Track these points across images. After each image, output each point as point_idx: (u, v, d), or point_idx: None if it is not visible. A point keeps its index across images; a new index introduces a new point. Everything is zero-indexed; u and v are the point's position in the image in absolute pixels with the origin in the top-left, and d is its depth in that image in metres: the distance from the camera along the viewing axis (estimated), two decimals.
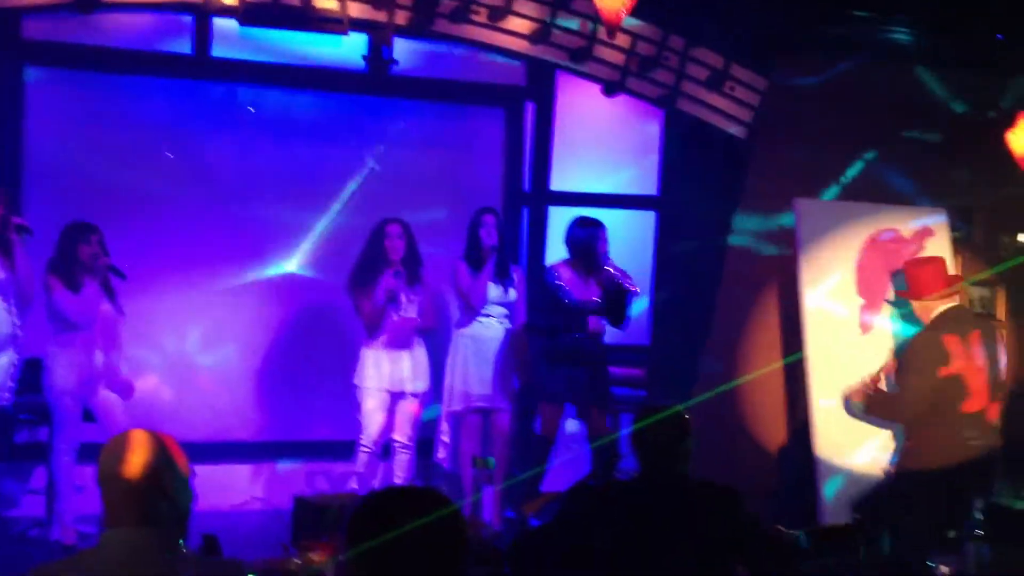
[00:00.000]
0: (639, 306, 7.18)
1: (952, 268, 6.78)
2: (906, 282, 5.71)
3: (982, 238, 8.03)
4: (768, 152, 7.26)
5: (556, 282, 6.21)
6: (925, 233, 6.82)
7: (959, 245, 7.28)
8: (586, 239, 6.19)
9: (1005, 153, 6.94)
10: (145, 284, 6.41)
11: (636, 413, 3.67)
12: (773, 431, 7.53)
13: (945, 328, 5.39)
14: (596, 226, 6.23)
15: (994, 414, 5.31)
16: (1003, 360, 5.42)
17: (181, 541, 2.61)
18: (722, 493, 3.53)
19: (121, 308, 5.98)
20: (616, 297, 6.20)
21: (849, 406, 6.01)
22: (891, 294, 6.37)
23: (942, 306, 5.47)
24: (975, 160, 7.61)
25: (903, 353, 5.64)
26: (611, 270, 6.11)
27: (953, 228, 7.12)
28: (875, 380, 5.80)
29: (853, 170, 7.58)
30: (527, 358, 6.36)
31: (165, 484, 2.56)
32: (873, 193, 7.38)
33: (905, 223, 6.82)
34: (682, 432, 3.58)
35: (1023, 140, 6.30)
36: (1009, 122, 6.93)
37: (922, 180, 7.66)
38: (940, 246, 6.83)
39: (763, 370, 7.22)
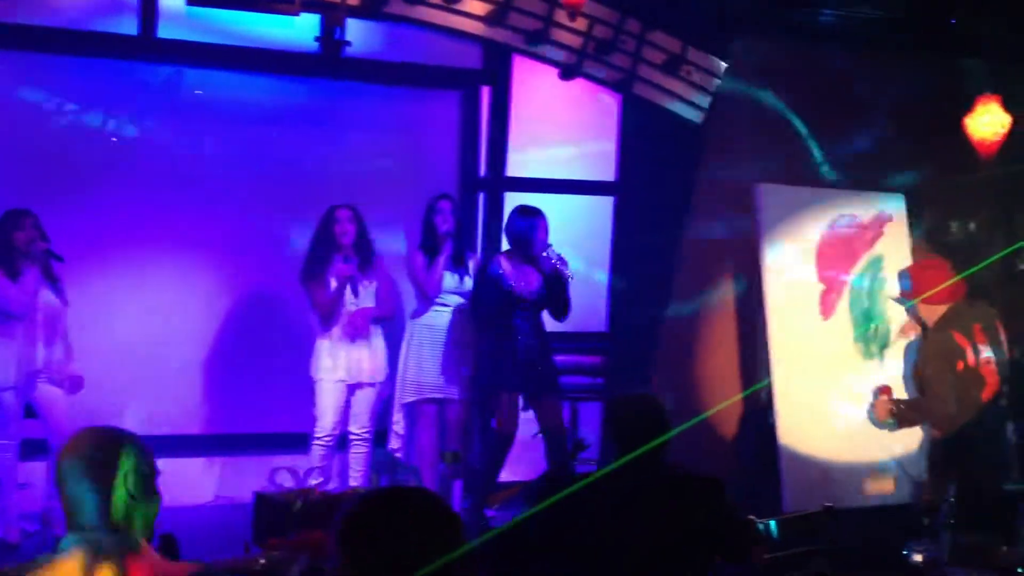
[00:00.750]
0: (597, 292, 7.13)
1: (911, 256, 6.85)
2: (911, 284, 5.87)
3: (932, 223, 8.06)
4: (726, 137, 7.21)
5: (497, 272, 6.05)
6: (883, 219, 6.81)
7: (912, 230, 7.28)
8: (524, 229, 6.04)
9: (957, 139, 6.94)
10: (90, 273, 6.22)
11: (612, 403, 3.58)
12: (728, 416, 7.49)
13: (951, 325, 5.55)
14: (535, 215, 6.07)
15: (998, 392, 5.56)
16: (1003, 342, 5.57)
17: (147, 543, 2.46)
18: (705, 484, 3.46)
19: (65, 298, 5.78)
20: (556, 285, 6.02)
21: (876, 421, 6.13)
22: (895, 292, 6.44)
23: (944, 306, 5.63)
24: (928, 145, 7.61)
25: (921, 359, 5.79)
26: (548, 255, 5.94)
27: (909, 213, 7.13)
28: (887, 392, 5.94)
29: (811, 155, 7.55)
30: (479, 349, 6.22)
31: (129, 484, 2.42)
32: (829, 178, 7.37)
33: (864, 208, 6.80)
34: (661, 422, 3.50)
35: (981, 126, 6.29)
36: (964, 108, 6.93)
37: (877, 165, 7.65)
38: (898, 231, 6.83)
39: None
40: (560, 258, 5.94)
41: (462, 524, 1.93)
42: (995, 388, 5.46)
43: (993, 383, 5.45)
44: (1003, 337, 5.66)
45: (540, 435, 6.09)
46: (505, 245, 6.39)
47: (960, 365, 5.44)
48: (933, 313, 5.67)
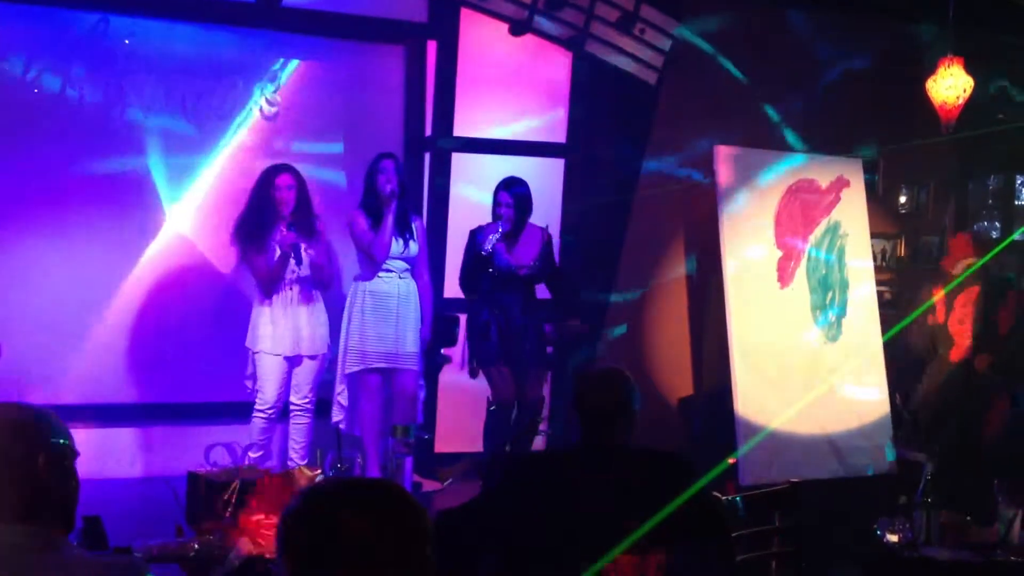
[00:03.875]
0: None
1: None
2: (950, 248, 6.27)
3: (884, 189, 7.95)
4: (679, 98, 7.00)
5: (485, 247, 5.89)
6: (842, 184, 6.66)
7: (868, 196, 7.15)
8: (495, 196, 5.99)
9: (911, 103, 6.79)
10: (11, 233, 5.84)
11: (578, 378, 3.37)
12: (678, 384, 7.32)
13: (938, 283, 5.81)
14: (505, 184, 6.01)
15: (981, 364, 5.64)
16: (1003, 318, 5.54)
17: (65, 537, 2.16)
18: (672, 462, 3.27)
19: None
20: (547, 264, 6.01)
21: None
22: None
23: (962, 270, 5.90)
24: (881, 109, 7.48)
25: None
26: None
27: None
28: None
29: (765, 117, 7.36)
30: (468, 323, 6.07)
31: (41, 470, 2.10)
32: (784, 142, 7.19)
33: (822, 173, 6.64)
34: (627, 397, 3.29)
35: (944, 88, 6.12)
36: (918, 71, 6.77)
37: (831, 129, 7.50)
38: (856, 197, 6.69)
39: None
40: (502, 223, 5.89)
41: (428, 520, 1.66)
42: (963, 352, 5.48)
43: (961, 346, 5.45)
44: (1005, 313, 5.69)
45: (493, 407, 5.89)
46: (452, 205, 6.14)
47: (930, 319, 5.46)
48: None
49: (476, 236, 6.00)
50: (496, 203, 5.99)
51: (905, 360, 6.27)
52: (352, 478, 1.76)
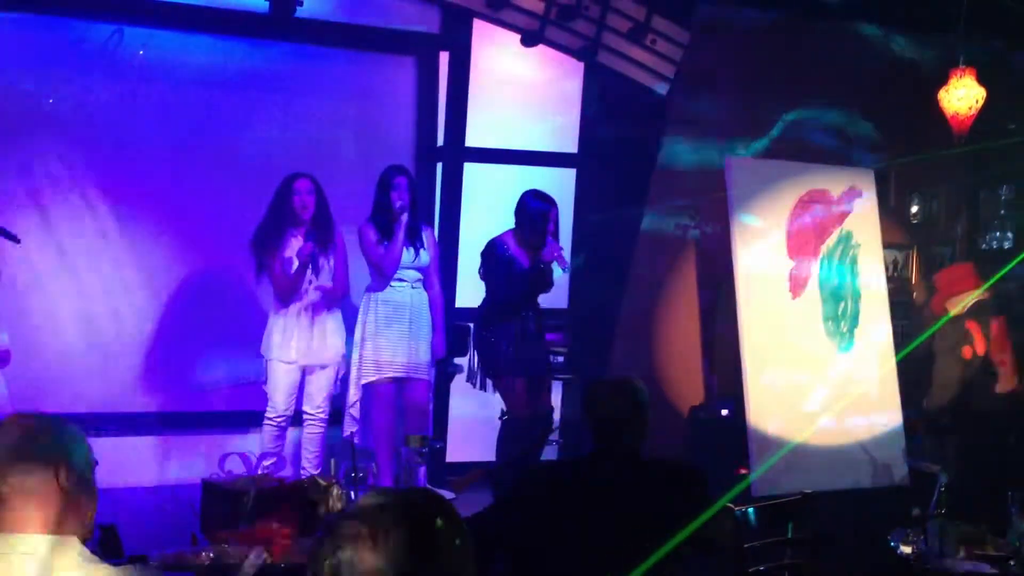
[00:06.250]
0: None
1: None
2: (936, 285, 6.10)
3: (895, 199, 7.95)
4: (692, 109, 7.01)
5: (508, 254, 5.90)
6: (853, 193, 6.66)
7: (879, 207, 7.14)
8: (542, 211, 5.92)
9: (921, 113, 6.79)
10: (25, 244, 5.86)
11: (590, 388, 3.38)
12: (689, 393, 7.32)
13: (966, 315, 5.68)
14: (550, 200, 6.00)
15: None
16: None
17: (83, 546, 2.18)
18: (685, 472, 3.27)
19: None
20: (546, 274, 5.95)
21: None
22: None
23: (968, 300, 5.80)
24: (891, 120, 7.48)
25: (932, 342, 5.99)
26: (552, 244, 5.87)
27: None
28: None
29: (775, 128, 7.37)
30: (480, 333, 6.04)
31: (61, 480, 2.12)
32: (795, 152, 7.20)
33: (834, 183, 6.64)
34: (639, 405, 3.29)
35: (956, 99, 6.12)
36: (930, 81, 6.78)
37: (842, 139, 7.51)
38: (868, 208, 6.68)
39: None
40: (560, 249, 5.88)
41: (468, 534, 1.67)
42: (1012, 383, 5.37)
43: (1008, 376, 5.36)
44: None
45: (505, 417, 5.90)
46: (464, 214, 6.08)
47: (967, 352, 5.33)
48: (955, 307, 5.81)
49: (503, 249, 5.92)
50: (547, 218, 5.90)
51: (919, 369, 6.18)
52: (399, 491, 1.74)
